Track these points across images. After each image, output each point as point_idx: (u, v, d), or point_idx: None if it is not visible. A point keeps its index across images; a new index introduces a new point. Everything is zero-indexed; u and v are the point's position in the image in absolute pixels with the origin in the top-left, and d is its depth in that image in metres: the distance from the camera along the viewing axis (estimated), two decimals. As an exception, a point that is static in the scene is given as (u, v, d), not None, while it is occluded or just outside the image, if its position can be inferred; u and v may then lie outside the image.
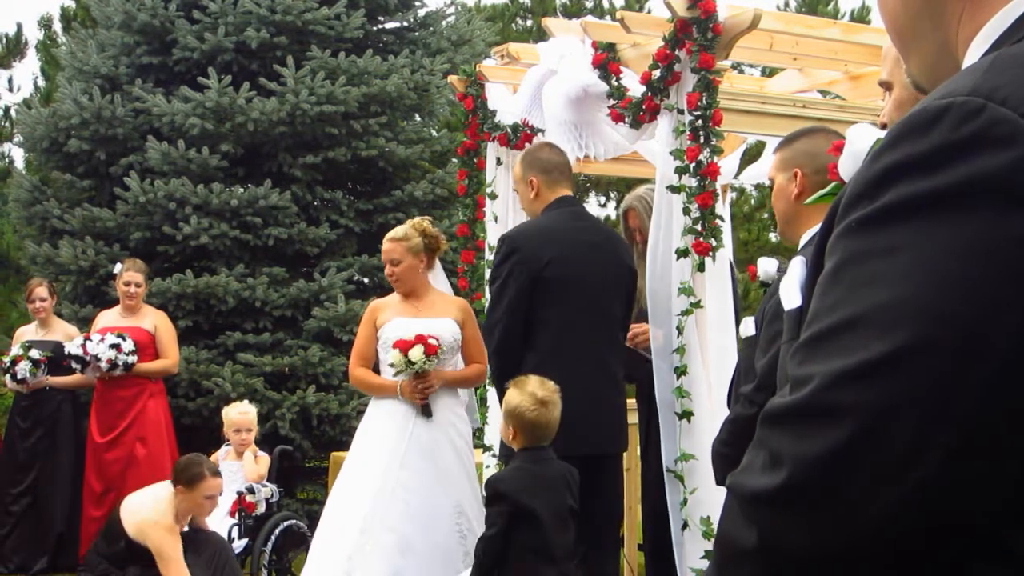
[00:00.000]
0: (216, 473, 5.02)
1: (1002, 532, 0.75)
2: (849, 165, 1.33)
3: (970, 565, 0.75)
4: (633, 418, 4.97)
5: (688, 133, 4.22)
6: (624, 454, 5.39)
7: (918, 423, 0.73)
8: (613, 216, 13.73)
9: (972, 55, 0.90)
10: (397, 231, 4.79)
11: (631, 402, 5.04)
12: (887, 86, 1.98)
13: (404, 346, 4.46)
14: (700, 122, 4.21)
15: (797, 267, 1.34)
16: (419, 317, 4.67)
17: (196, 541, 5.15)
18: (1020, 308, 0.73)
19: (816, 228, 2.82)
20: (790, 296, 1.38)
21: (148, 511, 5.06)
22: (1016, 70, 0.79)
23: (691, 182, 4.23)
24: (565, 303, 4.17)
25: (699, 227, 4.19)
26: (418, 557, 4.36)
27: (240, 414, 5.95)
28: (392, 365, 4.50)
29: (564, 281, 4.16)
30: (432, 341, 4.48)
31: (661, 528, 4.42)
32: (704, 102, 4.19)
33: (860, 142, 1.32)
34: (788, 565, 0.77)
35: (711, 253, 4.19)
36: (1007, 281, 0.73)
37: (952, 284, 0.74)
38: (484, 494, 3.88)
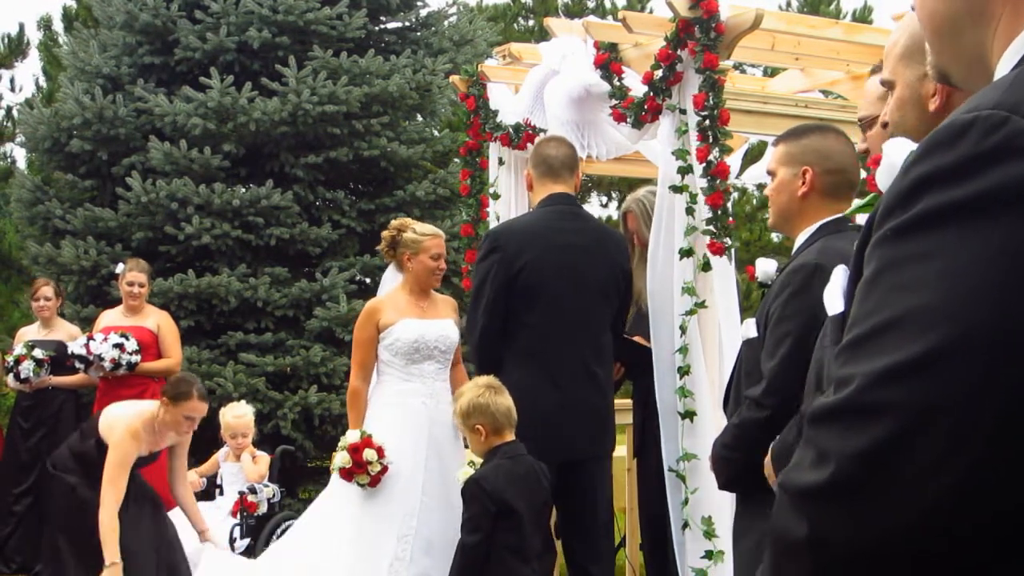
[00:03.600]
0: (204, 398, 4.92)
1: None
2: (885, 177, 1.38)
3: (1007, 562, 0.78)
4: (629, 418, 4.97)
5: (698, 134, 4.23)
6: (624, 454, 5.36)
7: (955, 419, 0.77)
8: (615, 217, 13.74)
9: (1004, 66, 0.93)
10: (436, 229, 4.81)
11: (627, 402, 5.04)
12: (889, 85, 1.97)
13: (357, 461, 4.41)
14: (707, 122, 4.21)
15: (840, 274, 1.42)
16: (426, 318, 4.68)
17: (157, 515, 5.09)
18: None
19: (814, 227, 2.84)
20: (833, 302, 1.44)
21: (124, 412, 5.04)
22: None
23: (701, 183, 4.23)
24: (545, 305, 4.16)
25: (713, 227, 4.18)
26: (439, 557, 4.37)
27: (235, 418, 5.89)
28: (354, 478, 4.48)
29: (542, 283, 4.15)
30: (377, 443, 4.43)
31: (659, 528, 4.42)
32: (711, 102, 4.18)
33: (895, 155, 1.37)
34: (836, 557, 0.80)
35: (725, 252, 4.19)
36: None
37: (981, 289, 0.78)
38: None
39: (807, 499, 0.82)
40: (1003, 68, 0.93)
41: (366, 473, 4.42)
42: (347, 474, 4.45)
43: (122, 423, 4.91)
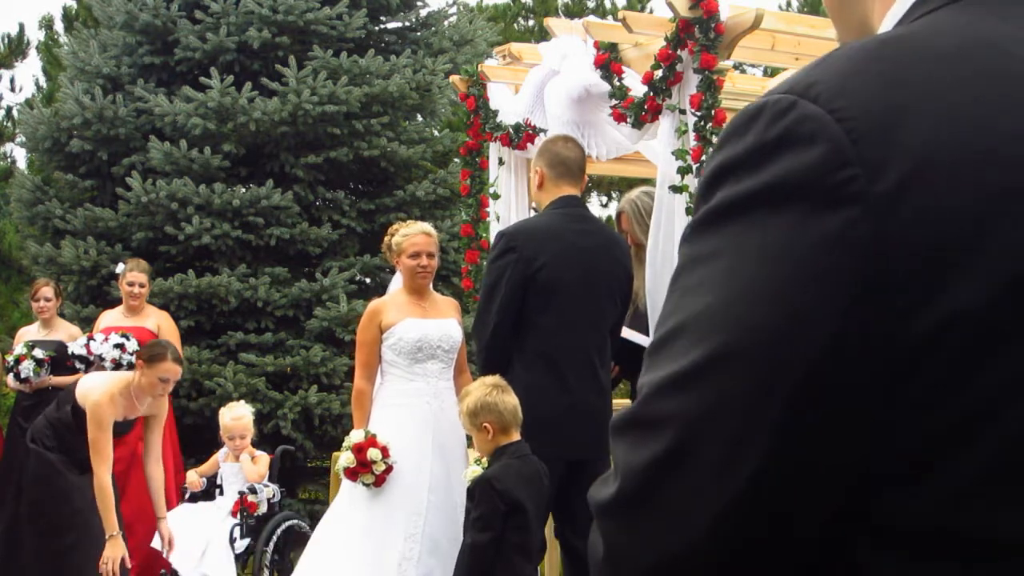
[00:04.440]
0: (178, 361, 5.10)
1: (845, 540, 0.73)
2: None
3: (815, 571, 0.74)
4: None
5: (695, 134, 4.23)
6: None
7: (732, 429, 0.72)
8: (615, 217, 13.74)
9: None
10: (426, 227, 4.80)
11: (626, 402, 5.05)
12: None
13: (361, 460, 4.44)
14: (703, 123, 4.21)
15: None
16: (428, 318, 4.69)
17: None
18: (825, 312, 0.70)
19: None
20: None
21: (100, 380, 5.20)
22: (841, 63, 0.76)
23: (694, 182, 4.24)
24: (556, 307, 4.15)
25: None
26: (444, 557, 4.37)
27: (233, 420, 5.86)
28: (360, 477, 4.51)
29: (556, 285, 4.15)
30: (381, 442, 4.46)
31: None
32: (707, 102, 4.19)
33: None
34: (629, 574, 0.77)
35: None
36: (810, 284, 0.71)
37: (759, 289, 0.72)
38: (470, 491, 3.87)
39: (601, 515, 0.79)
40: None
41: (371, 473, 4.42)
42: (352, 474, 4.46)
43: (98, 389, 5.03)
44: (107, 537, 4.80)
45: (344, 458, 4.47)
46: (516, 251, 4.16)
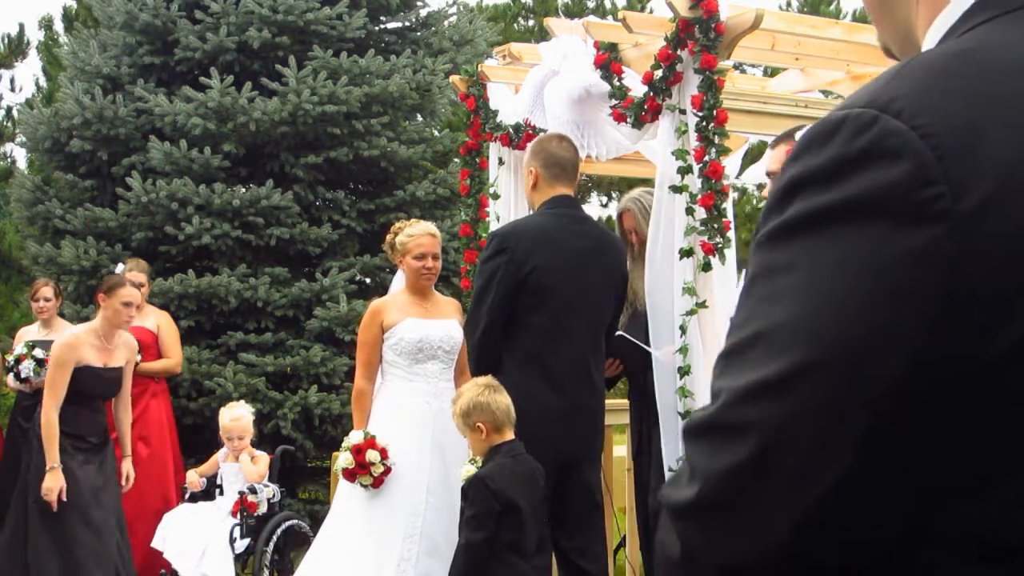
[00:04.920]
0: (134, 285, 5.53)
1: (913, 550, 0.75)
2: None
3: None
4: (626, 418, 4.97)
5: (697, 134, 4.23)
6: (624, 454, 5.37)
7: (814, 441, 0.73)
8: (615, 216, 13.72)
9: (927, 44, 0.88)
10: (431, 227, 4.80)
11: (624, 403, 5.05)
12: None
13: (359, 461, 4.46)
14: (704, 123, 4.21)
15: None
16: (429, 318, 4.69)
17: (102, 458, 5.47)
18: (908, 327, 0.72)
19: None
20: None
21: (69, 331, 5.60)
22: (920, 78, 0.77)
23: (696, 183, 4.23)
24: (550, 308, 4.15)
25: (706, 227, 4.19)
26: (443, 558, 4.38)
27: (232, 420, 5.86)
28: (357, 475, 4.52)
29: (550, 287, 4.14)
30: (380, 444, 4.48)
31: (657, 529, 4.41)
32: (708, 102, 4.18)
33: None
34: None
35: (717, 253, 4.19)
36: (893, 301, 0.72)
37: (841, 303, 0.74)
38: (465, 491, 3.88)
39: (679, 517, 0.80)
40: (926, 47, 0.88)
41: (369, 474, 4.42)
42: (350, 475, 4.46)
43: (65, 337, 5.41)
44: (47, 469, 5.13)
45: (343, 459, 4.47)
46: (507, 253, 4.15)
